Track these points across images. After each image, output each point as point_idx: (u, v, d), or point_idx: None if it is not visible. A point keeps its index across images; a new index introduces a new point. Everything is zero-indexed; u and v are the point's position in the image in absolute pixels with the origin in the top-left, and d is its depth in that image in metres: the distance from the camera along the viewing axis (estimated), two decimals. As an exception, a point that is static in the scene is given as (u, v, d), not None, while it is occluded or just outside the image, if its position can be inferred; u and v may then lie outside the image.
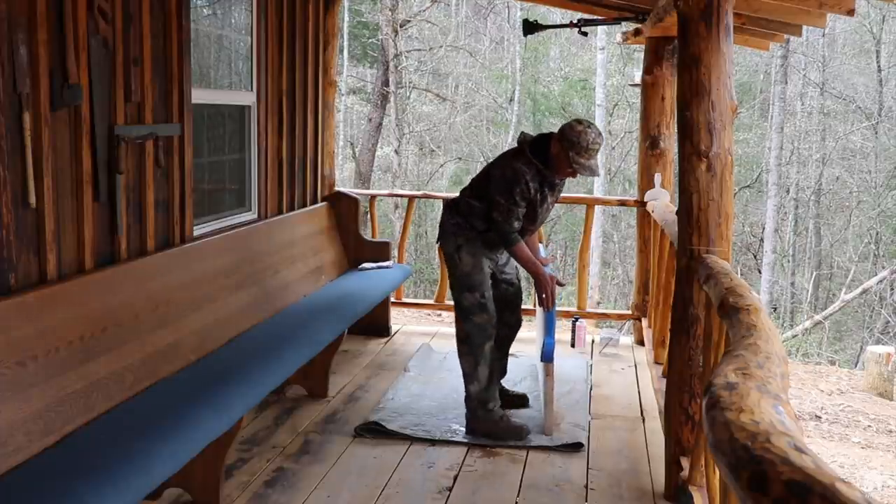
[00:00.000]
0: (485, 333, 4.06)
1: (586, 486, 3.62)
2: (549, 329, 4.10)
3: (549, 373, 4.11)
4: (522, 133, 4.07)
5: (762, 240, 18.74)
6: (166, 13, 3.76)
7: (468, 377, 4.10)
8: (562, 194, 4.33)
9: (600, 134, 3.92)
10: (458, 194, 4.22)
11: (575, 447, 4.01)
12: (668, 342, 3.70)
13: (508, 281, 4.27)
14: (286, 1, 5.10)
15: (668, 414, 3.55)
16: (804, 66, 20.75)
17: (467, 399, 4.13)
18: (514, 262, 4.24)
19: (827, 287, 19.88)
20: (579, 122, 3.91)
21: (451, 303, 4.42)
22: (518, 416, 4.32)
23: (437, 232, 4.28)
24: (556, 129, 4.01)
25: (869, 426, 7.93)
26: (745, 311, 2.28)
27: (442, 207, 4.19)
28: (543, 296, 4.06)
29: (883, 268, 17.42)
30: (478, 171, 4.25)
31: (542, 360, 4.12)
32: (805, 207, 20.67)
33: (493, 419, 4.08)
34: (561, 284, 4.26)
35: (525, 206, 3.93)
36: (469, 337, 4.07)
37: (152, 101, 3.68)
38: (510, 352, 4.48)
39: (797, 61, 20.27)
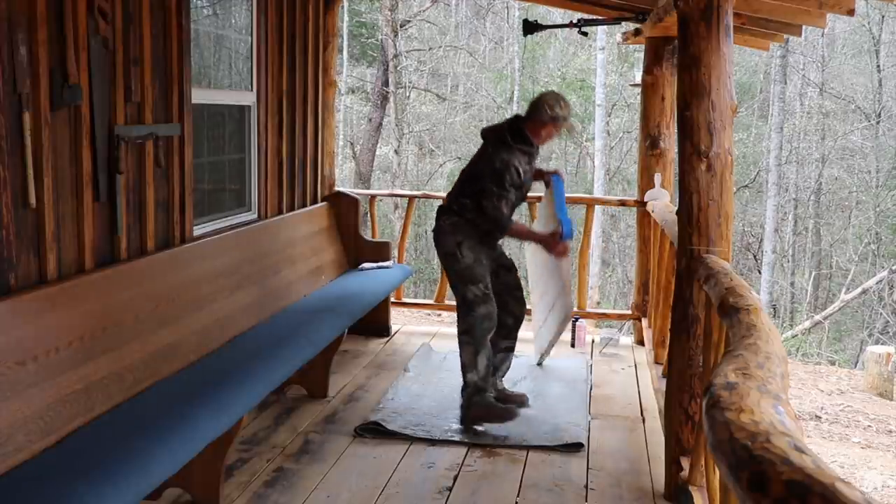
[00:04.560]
0: (487, 324, 4.15)
1: (586, 486, 3.63)
2: (561, 207, 4.33)
3: (566, 252, 4.33)
4: (487, 129, 4.38)
5: (762, 240, 18.74)
6: (166, 13, 3.76)
7: (467, 367, 4.15)
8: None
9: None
10: (446, 200, 4.33)
11: (575, 447, 4.01)
12: (668, 342, 3.70)
13: (507, 266, 4.40)
14: (286, 1, 5.10)
15: (668, 414, 3.55)
16: (803, 66, 20.75)
17: (464, 388, 4.18)
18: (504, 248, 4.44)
19: (826, 287, 19.86)
20: (555, 96, 4.22)
21: (451, 303, 4.44)
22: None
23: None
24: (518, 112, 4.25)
25: (869, 426, 7.92)
26: (745, 311, 2.28)
27: (436, 214, 4.29)
28: (558, 249, 4.31)
29: (882, 268, 17.40)
30: (459, 177, 4.40)
31: (562, 240, 4.26)
32: (804, 207, 20.66)
33: (486, 403, 4.15)
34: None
35: (514, 190, 4.13)
36: (472, 328, 4.14)
37: (152, 101, 3.68)
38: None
39: (796, 61, 20.26)
